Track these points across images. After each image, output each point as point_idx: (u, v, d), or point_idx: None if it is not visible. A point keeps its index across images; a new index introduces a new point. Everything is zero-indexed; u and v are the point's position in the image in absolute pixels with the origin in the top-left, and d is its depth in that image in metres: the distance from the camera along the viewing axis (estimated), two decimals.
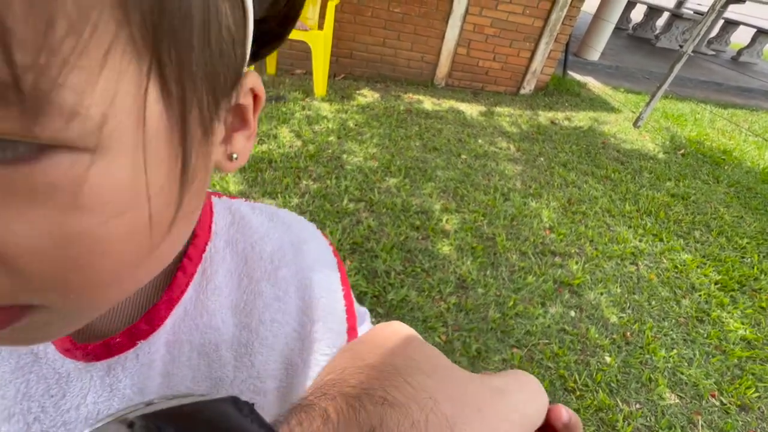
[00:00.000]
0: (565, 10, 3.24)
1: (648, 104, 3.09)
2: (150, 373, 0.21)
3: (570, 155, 2.64)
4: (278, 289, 0.25)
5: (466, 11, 3.17)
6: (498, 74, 3.58)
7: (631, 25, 7.58)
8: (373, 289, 1.31)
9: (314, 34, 2.59)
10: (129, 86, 0.11)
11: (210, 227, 0.24)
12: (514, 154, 2.50)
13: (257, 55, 0.21)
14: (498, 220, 1.79)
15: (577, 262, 1.63)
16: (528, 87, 3.66)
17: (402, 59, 3.38)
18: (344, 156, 2.04)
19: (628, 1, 6.66)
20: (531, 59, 3.49)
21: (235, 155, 0.19)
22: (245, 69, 0.18)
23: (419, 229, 1.64)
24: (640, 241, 1.89)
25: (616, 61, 5.07)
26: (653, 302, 1.55)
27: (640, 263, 1.74)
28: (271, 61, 3.04)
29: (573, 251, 1.70)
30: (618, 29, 6.72)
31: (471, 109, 3.12)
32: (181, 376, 0.22)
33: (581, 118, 3.31)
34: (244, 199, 0.29)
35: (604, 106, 3.69)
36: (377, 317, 1.23)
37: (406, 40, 3.28)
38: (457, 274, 1.45)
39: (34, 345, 0.19)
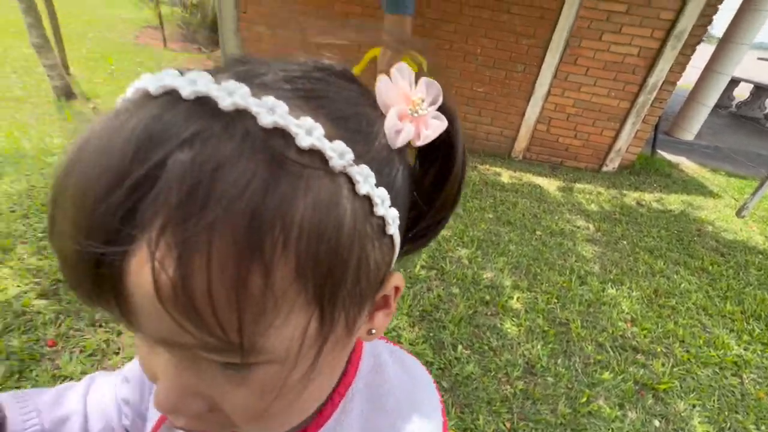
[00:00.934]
0: (655, 93, 3.21)
1: (756, 191, 2.81)
2: None
3: (658, 241, 2.48)
4: None
5: (548, 92, 3.31)
6: (579, 151, 3.57)
7: (734, 103, 7.06)
8: (439, 361, 1.34)
9: None
10: (300, 324, 0.19)
11: (356, 370, 0.31)
12: (594, 234, 2.43)
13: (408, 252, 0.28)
14: (573, 304, 1.74)
15: (663, 364, 1.50)
16: (611, 165, 3.57)
17: (481, 132, 3.57)
18: None
19: (732, 79, 6.28)
20: (615, 138, 3.45)
21: (373, 330, 0.25)
22: (390, 273, 0.24)
23: (489, 305, 1.66)
24: (746, 349, 1.67)
25: (716, 141, 4.73)
26: (762, 426, 1.34)
27: (744, 376, 1.53)
28: None
29: (659, 350, 1.57)
30: (718, 107, 6.31)
31: (548, 184, 3.12)
32: None
33: (672, 201, 3.11)
34: (386, 340, 0.35)
35: (699, 189, 3.43)
36: (442, 391, 1.25)
37: (486, 115, 3.49)
38: (525, 357, 1.42)
39: None
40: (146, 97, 0.18)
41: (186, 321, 0.16)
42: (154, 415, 0.35)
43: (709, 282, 2.12)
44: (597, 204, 2.87)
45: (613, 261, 2.16)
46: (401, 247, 0.25)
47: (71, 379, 1.08)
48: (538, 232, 2.31)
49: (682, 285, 2.04)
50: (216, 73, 0.19)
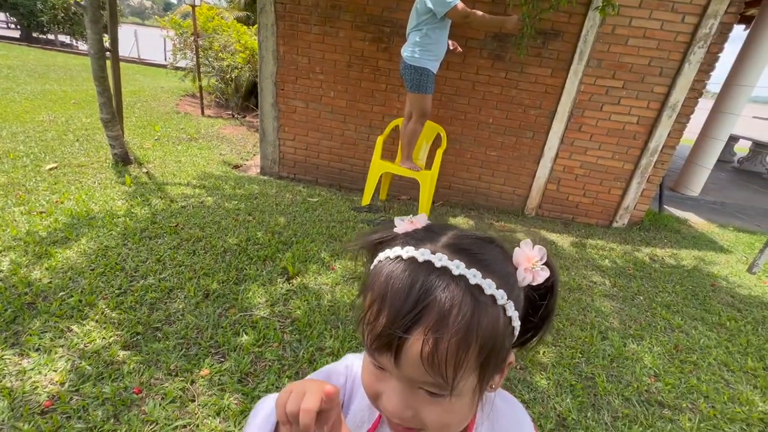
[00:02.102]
0: (656, 156, 3.47)
1: (765, 247, 2.94)
2: None
3: (674, 296, 2.58)
4: None
5: (557, 155, 3.60)
6: (588, 208, 3.78)
7: (736, 159, 7.34)
8: None
9: (423, 174, 3.19)
10: (473, 379, 0.39)
11: (476, 417, 0.49)
12: (610, 290, 2.55)
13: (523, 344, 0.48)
14: (596, 359, 1.84)
15: (690, 419, 1.57)
16: (621, 221, 3.76)
17: (495, 191, 3.84)
18: None
19: (731, 136, 6.59)
20: (623, 196, 3.67)
21: (493, 386, 0.45)
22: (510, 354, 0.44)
23: (517, 359, 1.77)
24: None
25: (722, 196, 4.92)
26: None
27: None
28: (383, 188, 3.72)
29: (684, 405, 1.64)
30: (722, 161, 6.57)
31: (562, 240, 3.30)
32: None
33: (684, 257, 3.24)
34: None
35: (710, 245, 3.56)
36: None
37: (499, 176, 3.77)
38: (557, 410, 1.52)
39: None
40: (414, 260, 0.40)
41: (430, 370, 0.37)
42: (358, 420, 0.54)
43: (728, 338, 2.20)
44: (610, 260, 3.02)
45: (631, 316, 2.27)
46: (523, 343, 0.47)
47: (158, 423, 1.23)
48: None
49: (702, 340, 2.12)
50: (443, 249, 0.40)
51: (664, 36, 3.12)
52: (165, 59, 13.42)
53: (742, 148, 8.61)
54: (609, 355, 1.88)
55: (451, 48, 3.01)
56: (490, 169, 3.76)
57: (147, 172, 3.44)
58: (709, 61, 3.14)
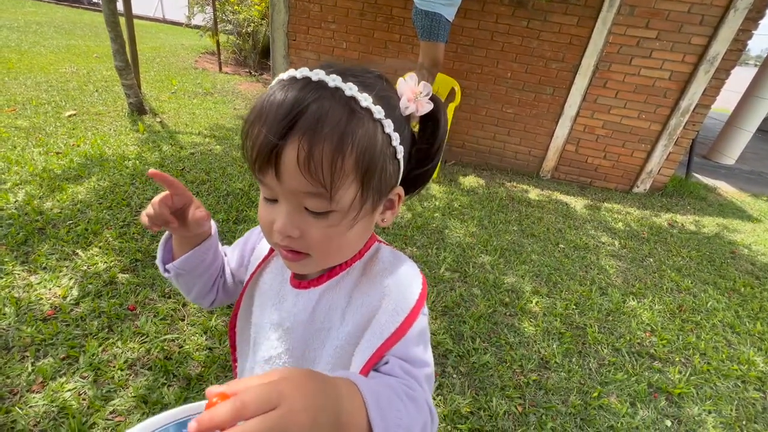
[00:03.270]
0: (688, 116, 3.22)
1: None
2: (312, 298, 0.49)
3: (687, 261, 2.47)
4: (369, 291, 0.47)
5: (577, 114, 3.40)
6: (608, 171, 3.60)
7: None
8: (458, 350, 1.46)
9: None
10: (352, 193, 0.40)
11: (363, 253, 0.50)
12: (619, 251, 2.46)
13: (415, 183, 0.49)
14: (591, 312, 1.80)
15: (680, 372, 1.53)
16: (642, 186, 3.57)
17: (509, 152, 3.69)
18: (446, 231, 2.32)
19: None
20: (647, 160, 3.46)
21: (384, 219, 0.47)
22: (396, 185, 0.46)
23: (508, 306, 1.76)
24: None
25: (760, 166, 4.57)
26: None
27: None
28: None
29: (677, 359, 1.60)
30: (763, 131, 6.05)
31: (576, 202, 3.18)
32: (321, 306, 0.49)
33: (706, 224, 3.07)
34: (391, 246, 0.54)
35: (737, 213, 3.35)
36: (459, 376, 1.37)
37: (515, 135, 3.62)
38: (540, 354, 1.51)
39: (300, 272, 0.48)
40: (294, 78, 0.39)
41: (308, 177, 0.36)
42: (254, 265, 0.58)
43: (739, 302, 2.10)
44: (625, 223, 2.89)
45: (636, 276, 2.19)
46: (405, 184, 0.47)
47: (148, 336, 1.30)
48: (561, 245, 2.38)
49: (709, 303, 2.03)
50: (324, 69, 0.39)
51: None
52: (189, 19, 13.35)
53: None
54: (605, 309, 1.84)
55: None
56: (505, 127, 3.60)
57: (161, 122, 3.49)
58: (759, 7, 2.81)
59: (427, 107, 0.44)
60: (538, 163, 3.69)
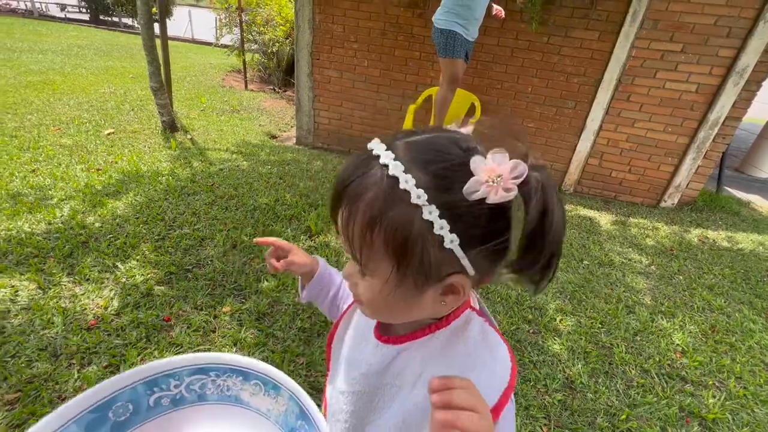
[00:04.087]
0: (717, 129, 3.14)
1: None
2: (390, 354, 0.50)
3: (719, 279, 2.38)
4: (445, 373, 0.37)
5: (600, 127, 3.37)
6: (633, 185, 3.53)
7: None
8: None
9: None
10: (387, 268, 0.39)
11: (448, 323, 0.46)
12: (647, 268, 2.40)
13: (537, 282, 0.40)
14: (618, 331, 1.76)
15: (714, 396, 1.47)
16: (670, 201, 3.47)
17: None
18: None
19: None
20: (674, 173, 3.38)
21: (443, 302, 0.42)
22: (451, 273, 0.40)
23: (531, 323, 1.75)
24: None
25: None
26: None
27: None
28: None
29: (710, 383, 1.54)
30: None
31: (600, 217, 3.12)
32: (396, 364, 0.49)
33: (740, 240, 2.95)
34: (487, 320, 0.48)
35: None
36: None
37: (536, 149, 3.59)
38: (565, 373, 1.49)
39: (364, 314, 0.50)
40: (368, 148, 0.41)
41: (345, 241, 0.41)
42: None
43: None
44: (652, 238, 2.82)
45: (666, 294, 2.13)
46: (493, 269, 0.40)
47: (182, 346, 1.37)
48: (585, 262, 2.35)
49: (745, 324, 1.95)
50: (397, 139, 0.40)
51: None
52: (216, 39, 14.02)
53: None
54: (633, 328, 1.80)
55: (494, 13, 2.85)
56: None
57: (191, 139, 3.67)
58: None
59: (503, 195, 0.35)
60: (560, 177, 3.65)
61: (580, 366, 1.53)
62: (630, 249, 2.61)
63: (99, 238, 1.89)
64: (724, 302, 2.12)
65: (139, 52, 9.20)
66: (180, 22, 17.36)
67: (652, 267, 2.42)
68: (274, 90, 6.53)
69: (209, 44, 13.53)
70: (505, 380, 0.43)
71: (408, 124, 3.26)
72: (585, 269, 2.27)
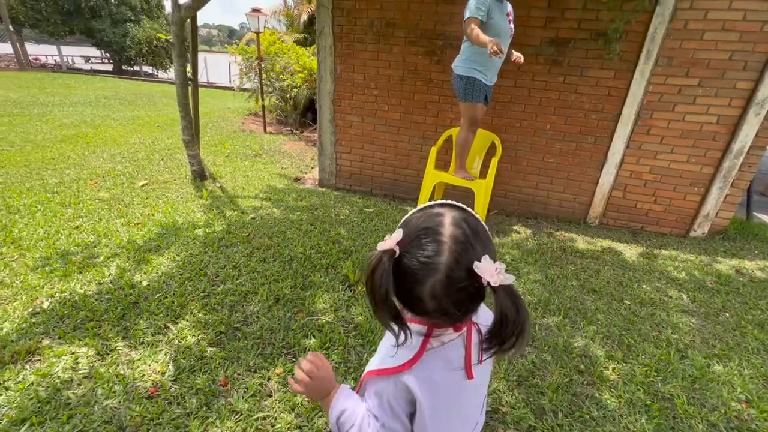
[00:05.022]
0: (742, 158, 3.15)
1: None
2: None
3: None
4: None
5: (622, 161, 3.40)
6: (660, 216, 3.51)
7: None
8: (542, 426, 1.43)
9: (478, 183, 3.18)
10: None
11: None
12: (689, 305, 2.35)
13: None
14: (674, 379, 1.71)
15: None
16: (700, 230, 3.43)
17: (554, 199, 3.70)
18: None
19: None
20: (702, 203, 3.36)
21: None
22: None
23: (584, 374, 1.71)
24: None
25: None
26: None
27: None
28: (437, 196, 3.75)
29: None
30: None
31: (629, 251, 3.09)
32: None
33: None
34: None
35: None
36: None
37: (558, 183, 3.64)
38: (630, 430, 1.44)
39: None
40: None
41: None
42: None
43: None
44: (687, 272, 2.77)
45: (715, 335, 2.07)
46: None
47: (241, 414, 1.37)
48: (626, 302, 2.31)
49: None
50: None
51: (747, 27, 2.85)
52: (230, 81, 14.72)
53: None
54: (690, 375, 1.74)
55: (513, 59, 2.97)
56: (548, 176, 3.64)
57: (220, 186, 3.79)
58: None
59: (503, 280, 0.53)
60: (585, 210, 3.65)
61: (643, 421, 1.48)
62: (669, 285, 2.57)
63: (148, 297, 1.94)
64: None
65: (161, 100, 9.69)
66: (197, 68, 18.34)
67: (695, 304, 2.37)
68: (292, 132, 6.77)
69: (224, 88, 14.19)
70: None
71: (431, 164, 3.34)
72: (627, 310, 2.23)
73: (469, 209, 0.62)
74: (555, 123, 3.45)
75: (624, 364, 1.78)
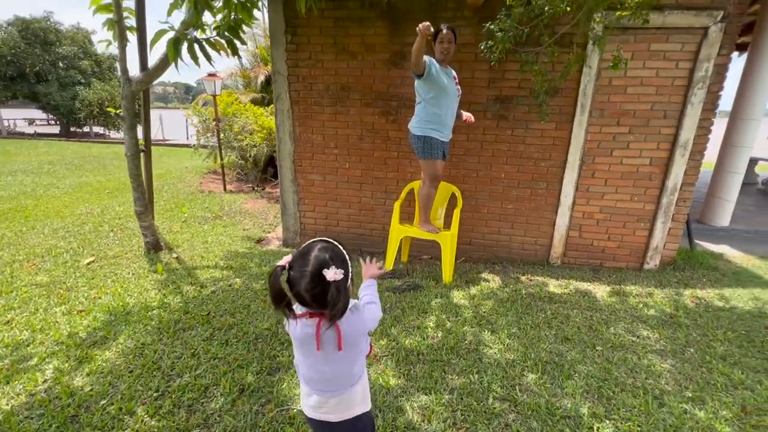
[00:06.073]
0: (677, 194, 3.43)
1: None
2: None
3: (727, 345, 2.42)
4: None
5: (574, 203, 3.60)
6: (616, 251, 3.69)
7: (760, 180, 7.16)
8: None
9: (443, 235, 3.22)
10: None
11: None
12: (656, 344, 2.41)
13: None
14: (657, 431, 1.70)
15: None
16: (652, 262, 3.63)
17: (516, 243, 3.81)
18: (480, 348, 2.27)
19: (751, 158, 6.47)
20: (650, 237, 3.58)
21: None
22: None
23: None
24: None
25: (754, 224, 4.74)
26: None
27: None
28: (404, 251, 3.75)
29: None
30: (746, 184, 6.39)
31: (595, 289, 3.19)
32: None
33: (729, 296, 3.07)
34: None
35: (754, 280, 3.38)
36: None
37: (519, 228, 3.77)
38: None
39: None
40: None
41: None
42: None
43: None
44: (651, 307, 2.88)
45: (685, 374, 2.12)
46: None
47: None
48: (598, 348, 2.33)
49: None
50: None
51: (661, 82, 3.23)
52: (187, 138, 14.54)
53: (763, 167, 8.42)
54: (671, 425, 1.74)
55: (464, 119, 3.16)
56: (508, 221, 3.77)
57: (177, 257, 3.58)
58: (712, 100, 3.21)
59: (333, 277, 0.93)
60: (546, 251, 3.78)
61: None
62: (635, 323, 2.64)
63: (90, 407, 1.71)
64: (742, 374, 2.13)
65: (112, 162, 9.32)
66: (151, 125, 18.01)
67: (662, 342, 2.43)
68: (253, 189, 6.67)
69: (182, 146, 13.96)
70: None
71: (395, 219, 3.36)
72: (601, 356, 2.25)
73: (332, 241, 1.05)
74: (509, 171, 3.63)
75: (608, 422, 1.75)
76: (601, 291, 3.17)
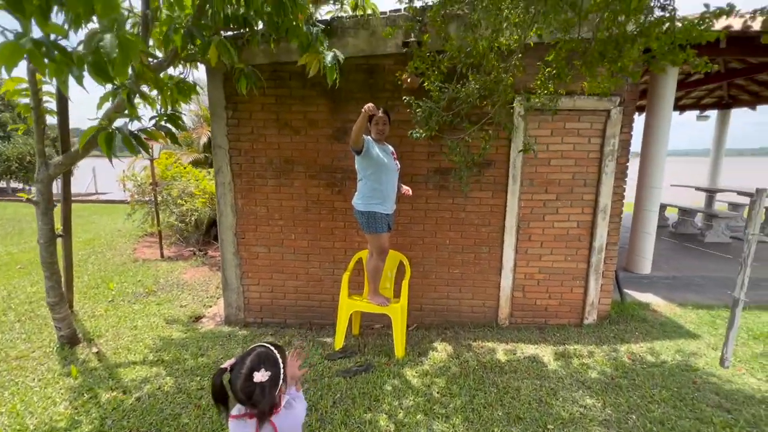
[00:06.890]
0: (603, 253, 3.73)
1: (727, 340, 2.95)
2: None
3: (663, 407, 2.54)
4: None
5: (515, 265, 3.77)
6: (557, 309, 3.86)
7: (670, 223, 8.06)
8: None
9: (393, 308, 3.18)
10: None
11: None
12: (601, 413, 2.47)
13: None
14: None
15: None
16: (591, 317, 3.84)
17: (465, 307, 3.86)
18: None
19: (661, 204, 7.30)
20: (585, 294, 3.81)
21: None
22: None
23: None
24: None
25: (670, 269, 5.25)
26: None
27: None
28: (355, 323, 3.64)
29: None
30: (659, 227, 7.13)
31: (542, 352, 3.27)
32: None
33: (658, 350, 3.28)
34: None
35: (677, 330, 3.67)
36: None
37: (466, 291, 3.84)
38: None
39: None
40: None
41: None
42: None
43: None
44: (592, 369, 2.99)
45: None
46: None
47: None
48: (549, 426, 2.34)
49: None
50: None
51: (578, 155, 3.60)
52: (124, 191, 13.60)
53: (673, 209, 9.54)
54: None
55: (403, 192, 3.27)
56: (456, 285, 3.83)
57: (97, 352, 3.16)
58: (621, 169, 3.62)
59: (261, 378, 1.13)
60: (494, 313, 3.87)
61: None
62: (580, 391, 2.71)
63: None
64: None
65: (30, 225, 8.36)
66: (83, 178, 16.63)
67: (608, 410, 2.50)
68: (194, 253, 6.27)
69: (116, 202, 12.98)
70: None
71: (344, 293, 3.28)
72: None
73: (269, 345, 1.22)
74: (453, 238, 3.75)
75: None
76: (547, 354, 3.25)
